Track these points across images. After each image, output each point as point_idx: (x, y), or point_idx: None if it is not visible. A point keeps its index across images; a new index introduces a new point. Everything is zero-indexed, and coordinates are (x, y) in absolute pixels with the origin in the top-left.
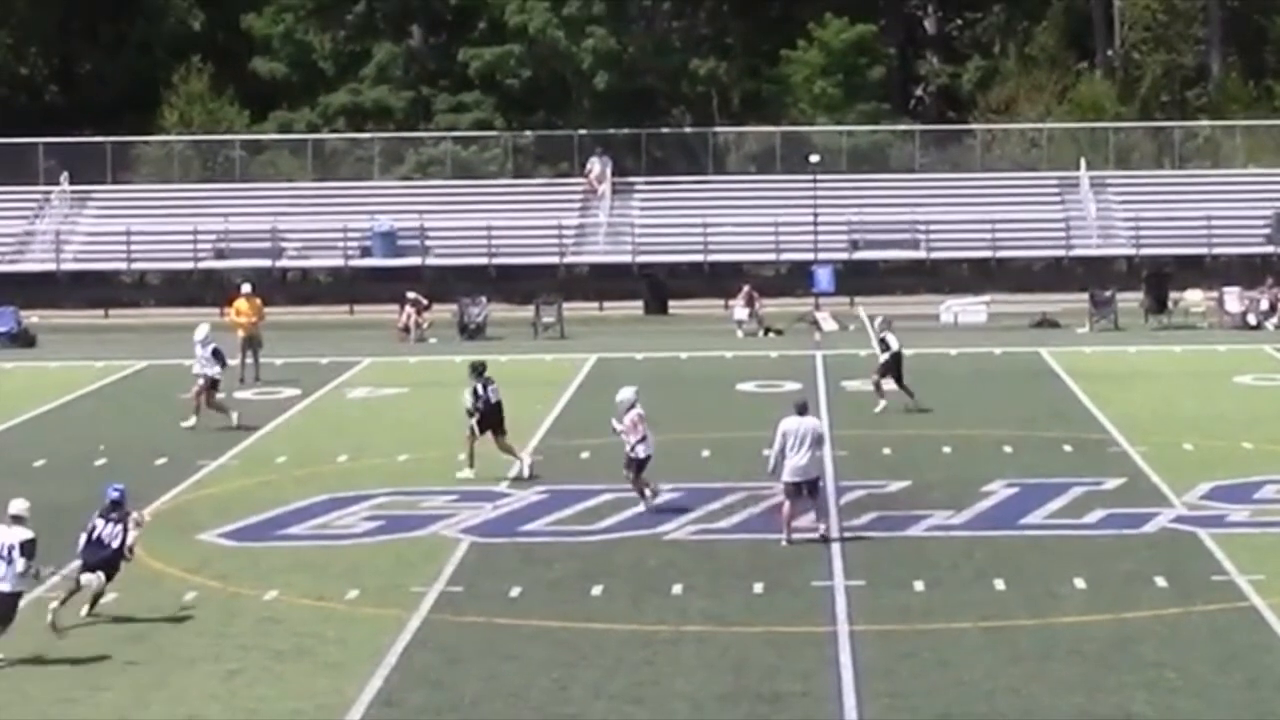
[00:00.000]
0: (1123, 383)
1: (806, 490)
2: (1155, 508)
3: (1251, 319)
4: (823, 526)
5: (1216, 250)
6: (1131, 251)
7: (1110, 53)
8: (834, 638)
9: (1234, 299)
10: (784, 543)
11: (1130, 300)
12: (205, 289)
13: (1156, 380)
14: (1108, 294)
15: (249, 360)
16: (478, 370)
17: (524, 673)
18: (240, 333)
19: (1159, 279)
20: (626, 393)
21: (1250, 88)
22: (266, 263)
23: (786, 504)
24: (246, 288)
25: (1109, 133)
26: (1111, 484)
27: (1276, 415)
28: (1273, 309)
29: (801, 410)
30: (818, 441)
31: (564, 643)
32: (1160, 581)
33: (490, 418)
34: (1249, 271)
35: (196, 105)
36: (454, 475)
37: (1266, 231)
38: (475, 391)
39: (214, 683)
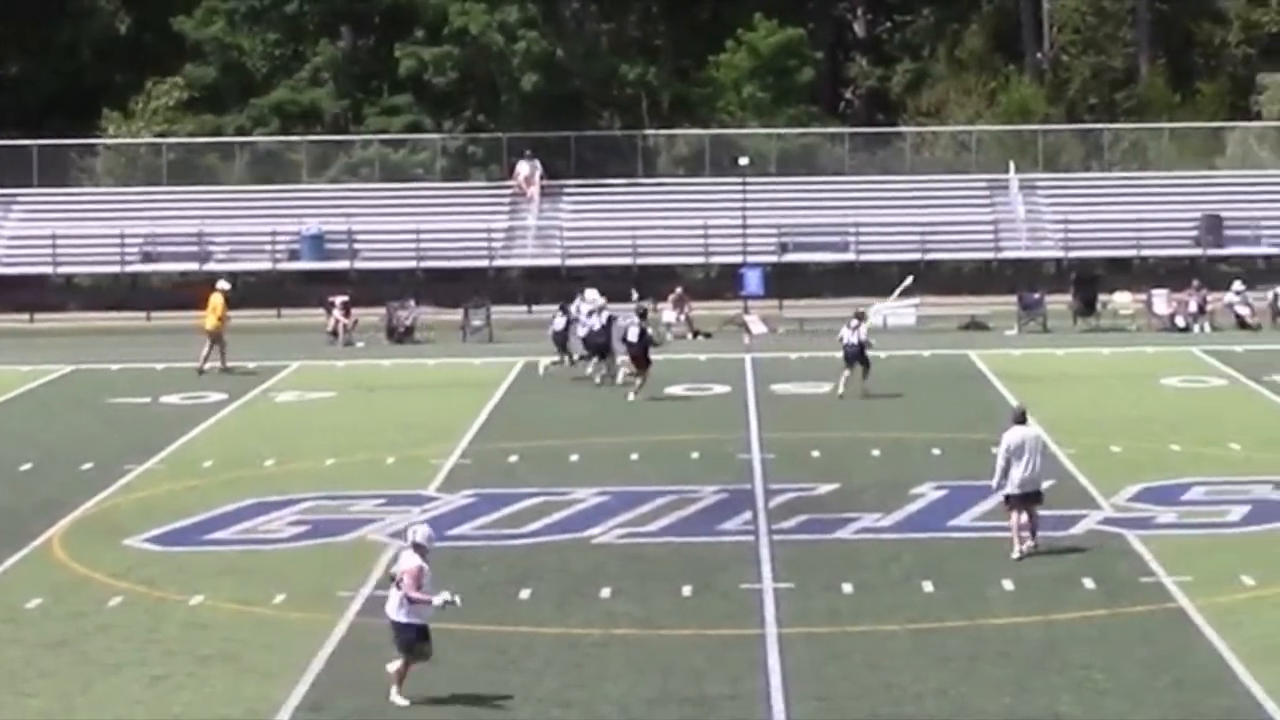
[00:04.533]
0: (1051, 385)
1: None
2: (1083, 510)
3: (1180, 321)
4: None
5: (1145, 253)
6: (1060, 254)
7: (1039, 55)
8: (762, 640)
9: (1162, 301)
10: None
11: (1059, 302)
12: (132, 293)
13: (1085, 382)
14: (1036, 296)
15: (214, 354)
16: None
17: (452, 678)
18: (210, 328)
19: (1087, 281)
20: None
21: (1178, 91)
22: (194, 266)
23: (1014, 516)
24: (224, 285)
25: (1038, 135)
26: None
27: (1204, 417)
28: (1201, 311)
29: (1020, 419)
30: (1041, 451)
31: (492, 647)
32: (1088, 583)
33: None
34: (1177, 274)
35: (160, 114)
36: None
37: (1194, 234)
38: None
39: (139, 688)
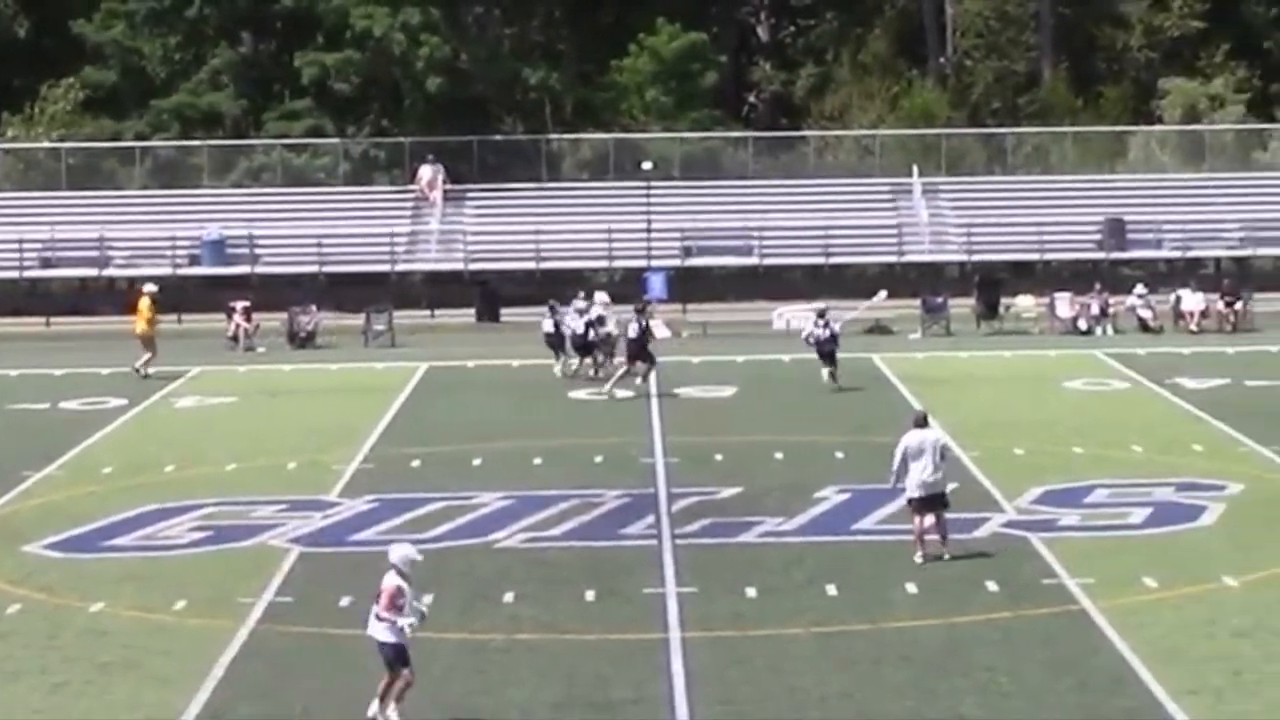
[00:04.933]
0: (954, 388)
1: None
2: (986, 512)
3: (1082, 324)
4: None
5: (1048, 256)
6: (963, 257)
7: (942, 60)
8: (666, 645)
9: (1065, 305)
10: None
11: (962, 306)
12: (31, 298)
13: (988, 385)
14: (940, 300)
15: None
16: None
17: (355, 683)
18: (140, 332)
19: (990, 285)
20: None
21: (1080, 95)
22: (93, 271)
23: (916, 520)
24: (151, 287)
25: (941, 139)
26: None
27: (1107, 420)
28: (1103, 314)
29: (921, 422)
30: (942, 454)
31: None
32: (991, 586)
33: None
34: (1080, 277)
35: (58, 118)
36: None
37: (1097, 237)
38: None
39: (38, 696)
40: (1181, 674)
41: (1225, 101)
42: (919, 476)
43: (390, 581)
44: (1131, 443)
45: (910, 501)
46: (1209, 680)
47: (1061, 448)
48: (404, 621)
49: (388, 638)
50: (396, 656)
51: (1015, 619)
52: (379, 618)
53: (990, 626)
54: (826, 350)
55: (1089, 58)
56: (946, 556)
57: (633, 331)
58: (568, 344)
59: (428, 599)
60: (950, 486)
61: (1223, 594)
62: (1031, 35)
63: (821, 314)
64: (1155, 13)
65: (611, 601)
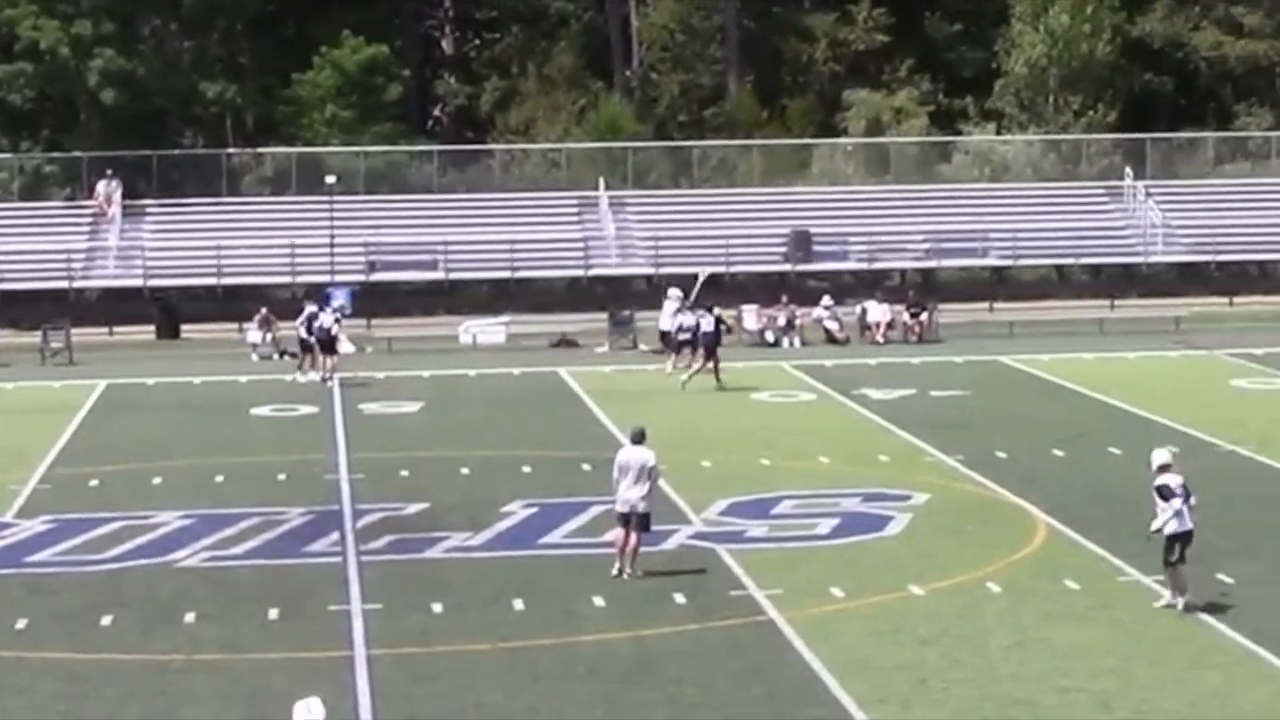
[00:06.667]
0: (642, 401)
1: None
2: (674, 525)
3: (769, 336)
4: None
5: (734, 268)
6: (650, 271)
7: (629, 73)
8: (351, 663)
9: (752, 317)
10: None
11: (649, 319)
12: None
13: (675, 398)
14: (626, 314)
15: None
16: None
17: (31, 707)
18: None
19: None
20: None
21: (766, 108)
22: None
23: (618, 533)
24: None
25: (628, 153)
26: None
27: (794, 431)
28: (790, 326)
29: (636, 439)
30: (646, 473)
31: (73, 675)
32: (679, 598)
33: None
34: (766, 289)
35: None
36: None
37: (783, 250)
38: None
39: None
40: (869, 682)
41: (909, 114)
42: (622, 493)
43: None
44: (818, 454)
45: (619, 514)
46: (896, 688)
47: (749, 459)
48: None
49: None
50: None
51: (703, 631)
52: None
53: (678, 638)
54: (677, 343)
55: (775, 71)
56: (626, 575)
57: (707, 325)
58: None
59: (106, 620)
60: (641, 507)
61: (909, 602)
62: (717, 49)
63: (710, 309)
64: (840, 26)
65: (295, 620)
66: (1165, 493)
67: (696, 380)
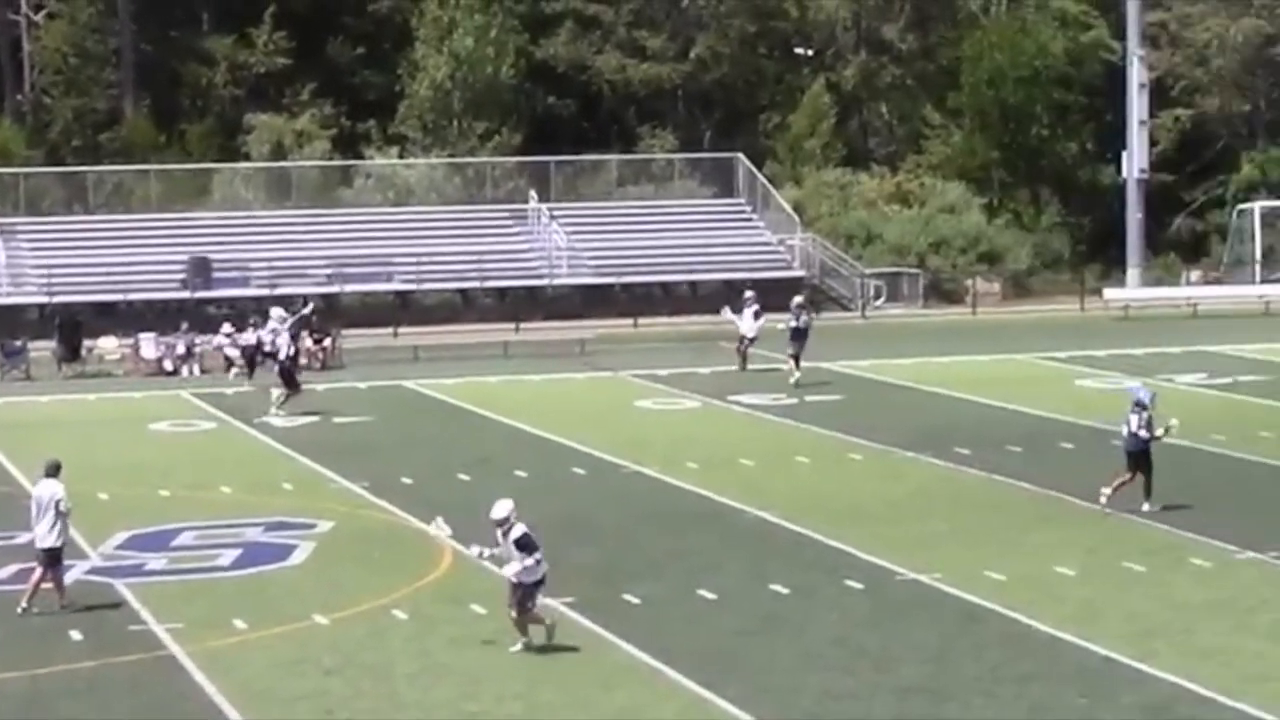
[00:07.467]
0: (35, 432)
1: None
2: (70, 560)
3: (168, 365)
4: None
5: (131, 296)
6: (44, 299)
7: (20, 97)
8: None
9: (150, 345)
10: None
11: (43, 349)
12: None
13: (71, 429)
14: (19, 343)
15: None
16: None
17: None
18: None
19: (71, 326)
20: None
21: (164, 133)
22: None
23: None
24: None
25: (20, 178)
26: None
27: (195, 461)
28: (189, 354)
29: (50, 472)
30: (56, 508)
31: None
32: (75, 635)
33: None
34: (165, 317)
35: None
36: None
37: (182, 276)
38: None
39: None
40: (271, 714)
41: (312, 138)
42: (39, 530)
43: None
44: (220, 483)
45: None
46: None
47: (148, 491)
48: None
49: None
50: None
51: (100, 668)
52: None
53: (74, 677)
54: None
55: (174, 94)
56: (20, 609)
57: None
58: None
59: None
60: (52, 542)
61: (313, 632)
62: (113, 72)
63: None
64: (240, 49)
65: None
66: (527, 544)
67: (93, 410)
